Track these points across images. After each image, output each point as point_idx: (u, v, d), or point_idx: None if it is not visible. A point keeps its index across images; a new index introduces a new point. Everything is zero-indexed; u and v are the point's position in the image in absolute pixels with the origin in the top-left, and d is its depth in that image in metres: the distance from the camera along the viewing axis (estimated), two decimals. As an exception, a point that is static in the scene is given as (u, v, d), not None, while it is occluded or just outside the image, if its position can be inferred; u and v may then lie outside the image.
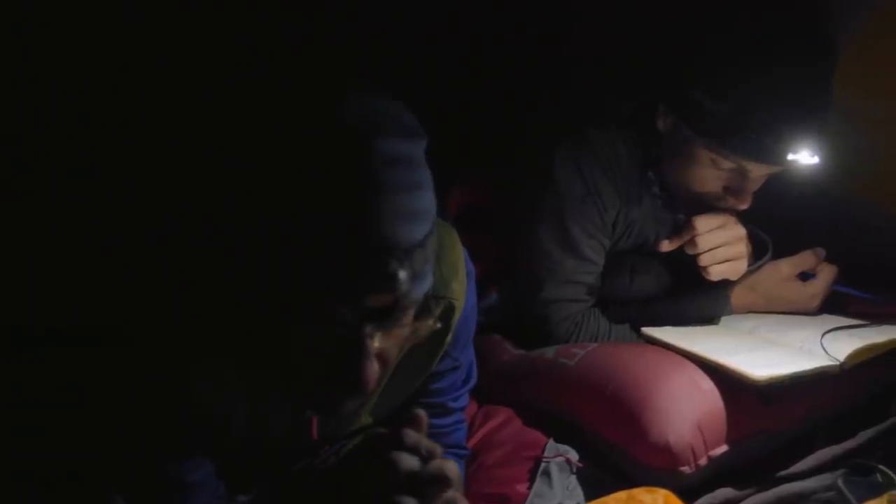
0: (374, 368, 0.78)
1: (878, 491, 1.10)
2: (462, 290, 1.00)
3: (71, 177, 1.18)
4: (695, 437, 1.16)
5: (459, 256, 1.01)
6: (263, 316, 0.78)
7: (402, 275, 0.73)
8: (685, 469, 1.15)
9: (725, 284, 1.37)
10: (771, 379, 1.16)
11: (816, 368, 1.19)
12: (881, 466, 1.14)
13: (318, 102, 0.74)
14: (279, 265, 0.74)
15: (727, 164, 1.25)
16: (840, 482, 1.13)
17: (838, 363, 1.20)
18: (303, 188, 0.72)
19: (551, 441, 1.21)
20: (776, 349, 1.26)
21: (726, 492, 1.17)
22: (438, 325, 0.85)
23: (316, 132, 0.73)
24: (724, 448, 1.18)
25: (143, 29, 1.23)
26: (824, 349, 1.22)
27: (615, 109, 1.34)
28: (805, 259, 1.39)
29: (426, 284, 0.79)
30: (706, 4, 1.24)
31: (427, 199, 0.77)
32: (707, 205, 1.32)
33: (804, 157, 1.21)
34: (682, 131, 1.26)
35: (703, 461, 1.16)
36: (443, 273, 0.96)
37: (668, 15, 1.33)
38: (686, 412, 1.17)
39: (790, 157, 1.20)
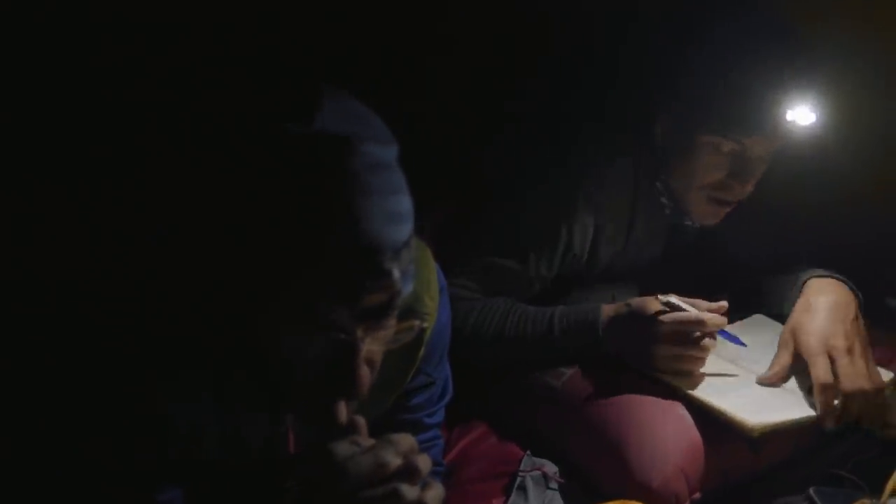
0: (367, 372, 0.79)
1: (848, 500, 1.12)
2: (434, 305, 1.00)
3: (61, 177, 1.18)
4: (678, 482, 1.16)
5: (431, 271, 1.02)
6: (255, 324, 0.78)
7: (396, 273, 0.76)
8: None
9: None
10: (764, 428, 1.16)
11: (805, 418, 1.19)
12: (852, 476, 1.16)
13: (298, 110, 0.76)
14: (275, 273, 0.75)
15: (727, 147, 1.26)
16: (812, 492, 1.15)
17: None
18: (292, 195, 0.74)
19: (528, 455, 1.21)
20: (763, 390, 1.24)
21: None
22: (424, 325, 0.86)
23: (299, 140, 0.74)
24: (706, 492, 1.19)
25: (131, 40, 1.24)
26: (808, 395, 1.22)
27: (609, 133, 1.35)
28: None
29: (411, 284, 0.81)
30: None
31: (407, 201, 0.80)
32: (713, 199, 1.32)
33: (801, 116, 1.24)
34: (680, 126, 1.29)
35: None
36: (415, 288, 0.97)
37: (641, 26, 1.36)
38: (671, 457, 1.16)
39: (787, 118, 1.23)
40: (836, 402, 1.17)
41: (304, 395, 0.82)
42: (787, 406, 1.20)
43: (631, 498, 1.13)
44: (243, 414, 0.91)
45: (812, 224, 1.41)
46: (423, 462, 0.78)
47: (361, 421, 0.80)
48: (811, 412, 1.19)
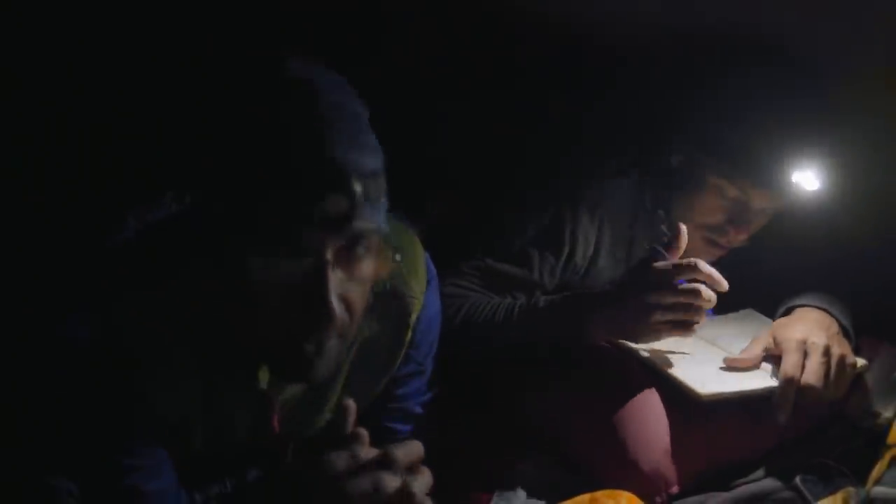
0: (339, 305, 0.81)
1: (833, 489, 1.12)
2: (421, 289, 1.02)
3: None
4: (668, 468, 1.17)
5: (419, 257, 1.04)
6: (221, 246, 0.80)
7: (357, 184, 0.79)
8: (657, 499, 1.17)
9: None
10: (714, 396, 1.17)
11: (759, 390, 1.20)
12: (837, 465, 1.17)
13: (269, 63, 0.82)
14: (237, 181, 0.78)
15: (732, 192, 1.29)
16: (798, 481, 1.15)
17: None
18: (262, 119, 0.78)
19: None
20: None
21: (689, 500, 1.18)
22: (398, 258, 0.90)
23: (268, 83, 0.80)
24: (695, 478, 1.19)
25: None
26: (773, 372, 1.23)
27: (627, 157, 1.37)
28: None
29: (380, 216, 0.83)
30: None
31: (374, 141, 0.84)
32: (707, 240, 1.35)
33: (805, 181, 1.26)
34: (694, 161, 1.32)
35: (674, 490, 1.18)
36: (402, 270, 0.99)
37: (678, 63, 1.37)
38: (662, 443, 1.18)
39: (792, 179, 1.25)
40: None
41: (279, 337, 0.83)
42: (742, 380, 1.21)
43: (622, 482, 1.14)
44: (227, 398, 0.93)
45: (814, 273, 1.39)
46: (421, 483, 0.81)
47: (363, 433, 0.81)
48: (761, 385, 1.20)
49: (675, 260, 1.20)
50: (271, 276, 0.80)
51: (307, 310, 0.80)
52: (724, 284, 1.18)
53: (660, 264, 1.19)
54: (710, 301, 1.17)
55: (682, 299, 1.16)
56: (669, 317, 1.17)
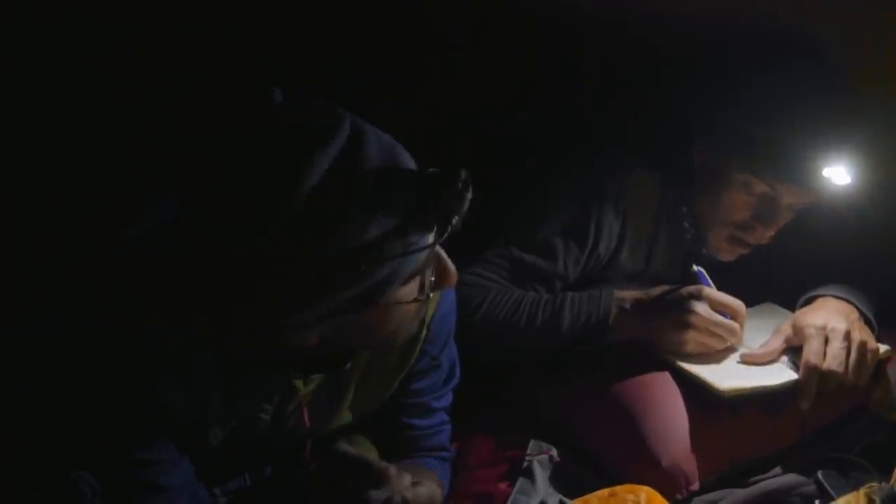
0: None
1: (856, 484, 1.11)
2: None
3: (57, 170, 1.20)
4: (688, 464, 1.17)
5: None
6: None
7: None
8: (677, 496, 1.16)
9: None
10: (735, 391, 1.18)
11: (780, 384, 1.20)
12: (859, 460, 1.16)
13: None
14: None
15: (759, 188, 1.28)
16: (820, 476, 1.14)
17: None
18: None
19: (534, 441, 1.22)
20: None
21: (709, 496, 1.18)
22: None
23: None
24: (715, 475, 1.19)
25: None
26: (793, 364, 1.23)
27: (650, 153, 1.36)
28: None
29: None
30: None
31: None
32: (733, 238, 1.34)
33: (837, 175, 1.24)
34: (718, 158, 1.30)
35: (694, 486, 1.17)
36: None
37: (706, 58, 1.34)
38: (683, 439, 1.17)
39: (823, 174, 1.23)
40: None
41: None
42: (760, 375, 1.21)
43: (642, 478, 1.13)
44: (243, 395, 0.93)
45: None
46: None
47: (391, 469, 0.85)
48: (780, 380, 1.20)
49: (725, 295, 1.26)
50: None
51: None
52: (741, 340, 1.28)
53: (712, 293, 1.25)
54: (737, 340, 1.26)
55: (719, 331, 1.24)
56: (703, 338, 1.24)
